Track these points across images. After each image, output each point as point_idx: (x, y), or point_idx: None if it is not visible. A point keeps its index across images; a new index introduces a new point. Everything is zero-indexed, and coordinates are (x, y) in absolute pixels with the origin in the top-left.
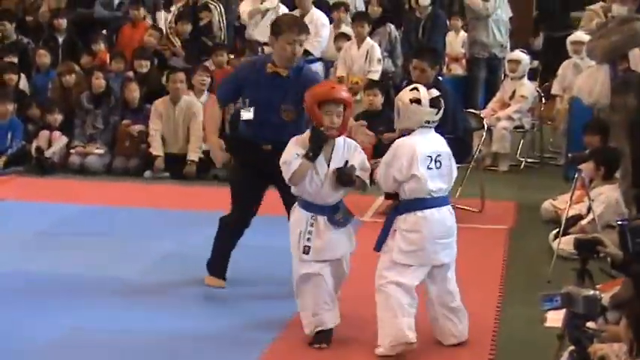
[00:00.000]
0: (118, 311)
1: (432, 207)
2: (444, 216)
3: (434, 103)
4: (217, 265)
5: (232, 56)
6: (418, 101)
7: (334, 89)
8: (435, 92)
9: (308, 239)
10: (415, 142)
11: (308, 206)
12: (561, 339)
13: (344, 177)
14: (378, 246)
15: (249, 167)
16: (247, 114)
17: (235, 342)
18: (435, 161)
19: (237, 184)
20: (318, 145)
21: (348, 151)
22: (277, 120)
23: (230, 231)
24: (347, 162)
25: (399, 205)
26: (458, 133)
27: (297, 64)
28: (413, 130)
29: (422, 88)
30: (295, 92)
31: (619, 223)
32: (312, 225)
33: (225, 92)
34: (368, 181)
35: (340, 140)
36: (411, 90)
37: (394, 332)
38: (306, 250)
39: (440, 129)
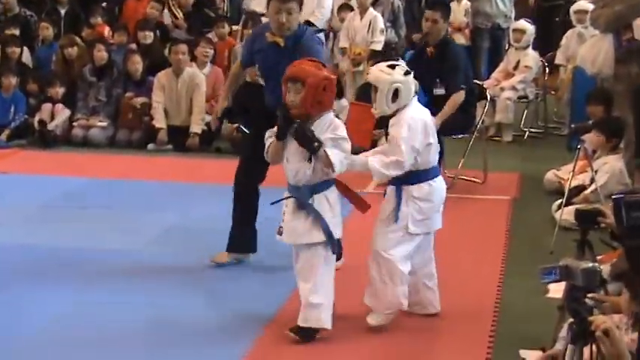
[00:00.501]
0: (119, 287)
1: (436, 176)
2: (442, 183)
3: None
4: (230, 238)
5: (235, 27)
6: (408, 72)
7: (293, 67)
8: (402, 62)
9: (283, 220)
10: (420, 113)
11: (288, 185)
12: (562, 310)
13: (299, 134)
14: (396, 217)
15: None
16: (261, 80)
17: (233, 322)
18: (433, 127)
19: (248, 148)
20: (282, 124)
21: (328, 129)
22: (281, 88)
23: (239, 197)
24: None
25: (407, 176)
26: (470, 84)
27: (296, 32)
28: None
29: (397, 62)
30: (294, 61)
31: (614, 197)
32: (286, 205)
33: (243, 56)
34: (336, 164)
35: (326, 120)
36: (392, 67)
37: (392, 300)
38: (280, 231)
39: (454, 82)
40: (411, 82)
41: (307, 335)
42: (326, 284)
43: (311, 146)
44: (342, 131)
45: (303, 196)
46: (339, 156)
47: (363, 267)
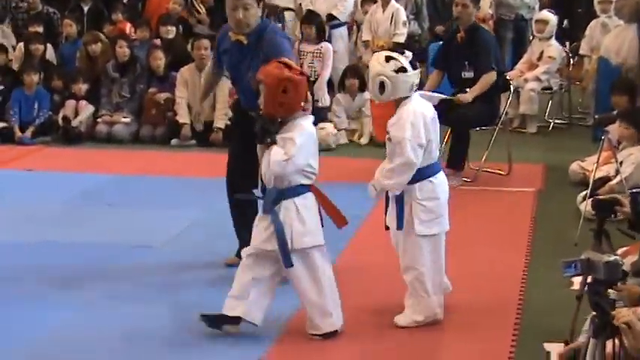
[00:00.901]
0: (139, 284)
1: (439, 171)
2: (444, 179)
3: (414, 64)
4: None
5: None
6: (403, 69)
7: (261, 69)
8: (409, 54)
9: None
10: (421, 107)
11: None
12: (580, 300)
13: (256, 126)
14: (400, 223)
15: (245, 134)
16: (229, 82)
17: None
18: (435, 123)
19: (231, 149)
20: (257, 127)
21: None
22: (249, 87)
23: (239, 206)
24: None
25: None
26: (500, 67)
27: (258, 28)
28: (405, 98)
29: (397, 55)
30: (258, 58)
31: (631, 192)
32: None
33: (212, 58)
34: (271, 161)
35: (296, 123)
36: (388, 60)
37: (426, 311)
38: None
39: (485, 64)
40: (402, 80)
41: (327, 336)
42: (327, 286)
43: (263, 140)
44: (296, 133)
45: (269, 199)
46: (277, 155)
47: (376, 266)
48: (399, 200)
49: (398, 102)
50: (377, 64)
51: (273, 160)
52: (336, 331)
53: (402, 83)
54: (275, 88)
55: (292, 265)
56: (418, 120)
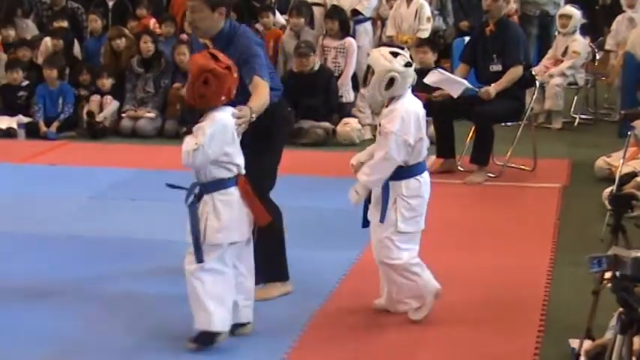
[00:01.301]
0: (165, 279)
1: (425, 170)
2: (428, 178)
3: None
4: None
5: (287, 17)
6: (409, 64)
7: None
8: (406, 51)
9: None
10: (414, 105)
11: None
12: (596, 295)
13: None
14: (382, 217)
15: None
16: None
17: (272, 320)
18: (425, 120)
19: None
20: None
21: None
22: None
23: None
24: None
25: (395, 172)
26: (529, 61)
27: (224, 32)
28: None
29: (400, 51)
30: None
31: None
32: None
33: None
34: (183, 152)
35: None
36: (395, 56)
37: (428, 290)
38: None
39: (514, 56)
40: (410, 75)
41: (203, 340)
42: (217, 287)
43: (183, 133)
44: (207, 123)
45: (190, 193)
46: (188, 145)
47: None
48: (385, 195)
49: (392, 97)
50: (384, 60)
51: (184, 150)
52: (213, 333)
53: (408, 78)
54: (196, 78)
55: (203, 261)
56: (410, 117)
